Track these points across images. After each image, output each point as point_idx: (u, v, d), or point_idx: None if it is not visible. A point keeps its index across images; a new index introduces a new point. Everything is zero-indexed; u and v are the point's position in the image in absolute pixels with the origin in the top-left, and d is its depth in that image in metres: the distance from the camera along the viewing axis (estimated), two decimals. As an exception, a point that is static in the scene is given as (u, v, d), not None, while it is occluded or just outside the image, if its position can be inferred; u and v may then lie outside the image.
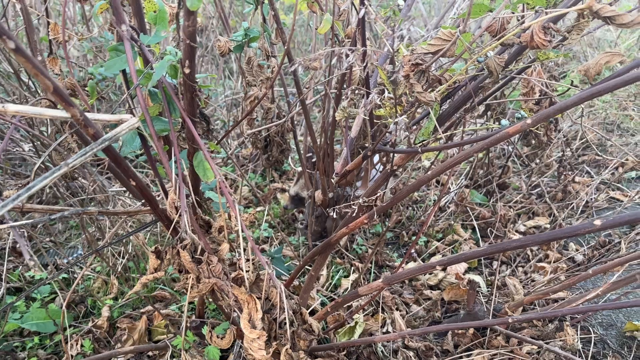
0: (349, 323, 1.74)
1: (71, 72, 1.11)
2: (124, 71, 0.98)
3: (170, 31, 1.29)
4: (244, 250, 0.94)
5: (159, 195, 1.28)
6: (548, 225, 2.43)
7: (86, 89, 1.13)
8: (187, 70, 0.88)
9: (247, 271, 0.96)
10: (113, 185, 2.14)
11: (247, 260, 0.97)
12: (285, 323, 0.93)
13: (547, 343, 1.62)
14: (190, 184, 1.10)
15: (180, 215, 0.91)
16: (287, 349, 0.94)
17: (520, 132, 0.91)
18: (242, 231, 0.92)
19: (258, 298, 0.95)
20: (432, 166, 2.19)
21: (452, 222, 2.45)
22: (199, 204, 1.17)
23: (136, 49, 0.91)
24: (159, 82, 0.93)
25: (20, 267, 2.03)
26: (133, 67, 0.87)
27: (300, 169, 2.24)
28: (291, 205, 2.33)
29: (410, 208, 2.60)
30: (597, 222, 0.87)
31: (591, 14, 0.87)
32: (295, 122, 3.13)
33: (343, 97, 1.11)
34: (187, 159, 1.08)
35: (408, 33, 0.84)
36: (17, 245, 1.97)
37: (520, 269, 2.17)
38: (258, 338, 0.90)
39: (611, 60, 0.95)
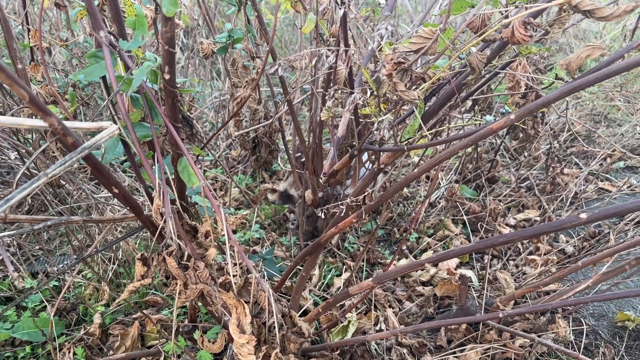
0: (341, 322, 1.74)
1: (49, 79, 1.10)
2: (104, 77, 0.97)
3: (151, 36, 1.28)
4: (232, 254, 0.93)
5: (146, 202, 1.27)
6: (538, 218, 2.44)
7: (67, 96, 1.11)
8: (167, 76, 0.87)
9: (234, 275, 0.95)
10: (102, 191, 2.12)
11: (235, 264, 0.96)
12: (275, 327, 0.93)
13: (539, 336, 1.63)
14: (175, 189, 1.09)
15: (165, 221, 0.90)
16: (277, 353, 0.94)
17: (504, 128, 0.91)
18: (229, 235, 0.91)
19: (247, 302, 0.95)
20: (421, 162, 2.19)
21: (443, 218, 2.46)
22: (185, 209, 1.17)
23: (116, 55, 0.90)
24: (140, 88, 0.93)
25: (10, 276, 2.01)
26: (113, 74, 0.86)
27: (289, 168, 2.24)
28: (279, 201, 2.32)
29: (400, 205, 2.60)
30: (583, 216, 0.88)
31: (571, 7, 0.87)
32: (285, 122, 3.12)
33: (327, 97, 1.11)
34: (171, 165, 1.07)
35: (386, 32, 0.83)
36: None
37: (511, 262, 2.18)
38: (247, 343, 0.90)
39: (592, 53, 0.95)
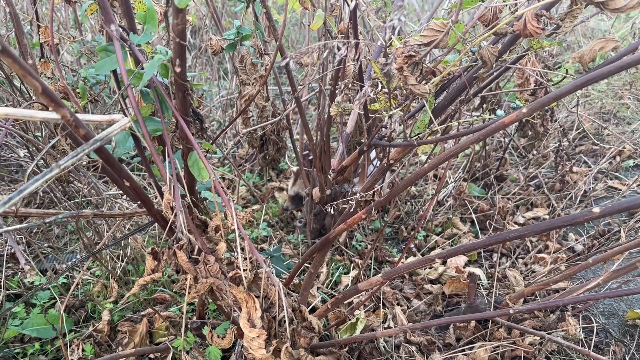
0: (350, 319, 1.73)
1: (61, 75, 1.10)
2: (114, 71, 0.97)
3: (161, 30, 1.28)
4: (242, 249, 0.93)
5: (155, 197, 1.27)
6: (547, 216, 2.43)
7: (77, 91, 1.12)
8: (178, 69, 0.87)
9: (245, 270, 0.95)
10: (110, 189, 2.13)
11: (245, 259, 0.96)
12: (285, 321, 0.93)
13: (549, 333, 1.62)
14: (185, 184, 1.09)
15: (175, 215, 0.90)
16: (287, 347, 0.94)
17: (515, 122, 0.90)
18: (239, 229, 0.91)
19: (257, 297, 0.95)
20: (429, 160, 2.18)
21: (451, 216, 2.45)
22: (195, 203, 1.17)
23: (126, 48, 0.91)
24: (151, 82, 0.93)
25: (20, 273, 2.02)
26: (123, 67, 0.86)
27: (296, 168, 2.23)
28: (292, 206, 2.32)
29: (408, 203, 2.59)
30: (596, 210, 0.87)
31: None
32: (292, 121, 3.11)
33: (337, 92, 1.11)
34: (181, 159, 1.07)
35: (399, 23, 0.83)
36: (13, 251, 1.96)
37: (520, 260, 2.17)
38: (258, 337, 0.90)
39: (605, 46, 0.94)
